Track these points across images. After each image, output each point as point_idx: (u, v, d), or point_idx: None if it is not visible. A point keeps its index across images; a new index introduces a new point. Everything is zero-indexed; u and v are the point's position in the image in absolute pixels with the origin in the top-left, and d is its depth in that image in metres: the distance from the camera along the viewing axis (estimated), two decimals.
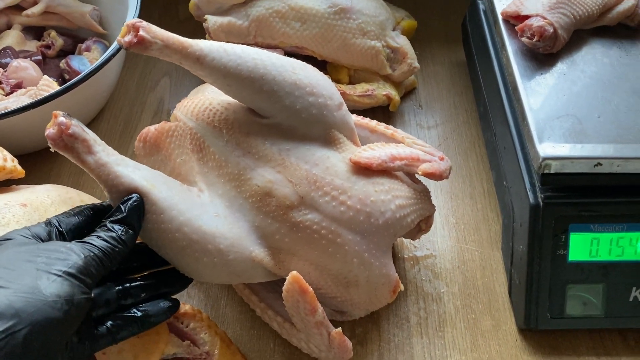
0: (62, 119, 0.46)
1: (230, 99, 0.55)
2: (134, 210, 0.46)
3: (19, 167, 0.58)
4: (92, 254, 0.41)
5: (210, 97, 0.56)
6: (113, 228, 0.44)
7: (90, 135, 0.47)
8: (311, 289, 0.48)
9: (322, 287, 0.51)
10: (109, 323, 0.44)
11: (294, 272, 0.48)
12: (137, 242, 0.49)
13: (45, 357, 0.37)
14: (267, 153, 0.51)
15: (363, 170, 0.52)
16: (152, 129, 0.56)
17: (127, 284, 0.46)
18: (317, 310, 0.48)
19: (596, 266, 0.53)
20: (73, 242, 0.42)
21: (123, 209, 0.45)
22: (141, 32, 0.46)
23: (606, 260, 0.53)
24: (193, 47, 0.48)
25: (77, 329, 0.41)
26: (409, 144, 0.57)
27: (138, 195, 0.46)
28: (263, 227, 0.50)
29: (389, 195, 0.51)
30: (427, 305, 0.59)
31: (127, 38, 0.47)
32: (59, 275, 0.38)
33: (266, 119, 0.53)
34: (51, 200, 0.55)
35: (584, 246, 0.53)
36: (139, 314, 0.45)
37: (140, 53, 0.48)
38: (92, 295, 0.41)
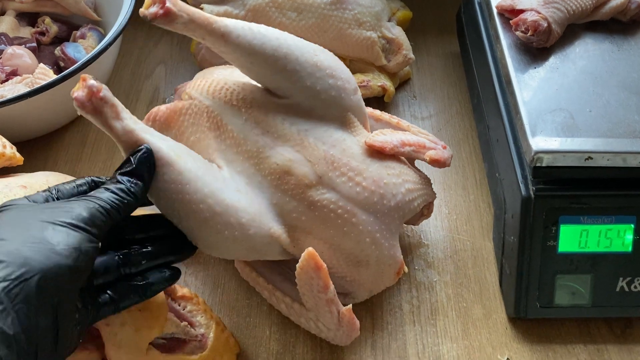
0: (92, 82, 0.44)
1: (245, 79, 0.55)
2: (144, 161, 0.45)
3: (17, 154, 0.59)
4: (97, 205, 0.41)
5: (224, 77, 0.57)
6: (122, 180, 0.44)
7: (118, 101, 0.46)
8: (325, 265, 0.49)
9: (334, 266, 0.52)
10: (110, 291, 0.44)
11: (310, 249, 0.48)
12: (143, 214, 0.49)
13: (60, 305, 0.38)
14: (286, 132, 0.52)
15: (376, 153, 0.54)
16: (163, 107, 0.56)
17: (127, 251, 0.46)
18: (329, 287, 0.49)
19: (585, 257, 0.54)
20: (75, 197, 0.43)
21: (132, 160, 0.45)
22: (168, 4, 0.46)
23: (595, 251, 0.54)
24: (218, 23, 0.49)
25: (82, 294, 0.41)
26: (414, 132, 0.59)
27: (148, 147, 0.46)
28: (281, 205, 0.51)
29: (400, 179, 0.54)
30: (420, 294, 0.60)
31: (153, 9, 0.46)
32: (64, 226, 0.39)
33: (284, 99, 0.54)
34: (49, 184, 0.55)
35: (574, 238, 0.54)
36: (141, 282, 0.46)
37: (162, 26, 0.47)
38: (99, 244, 0.41)
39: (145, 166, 0.45)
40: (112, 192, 0.43)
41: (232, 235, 0.49)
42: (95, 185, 0.47)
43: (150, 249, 0.47)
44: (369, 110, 0.61)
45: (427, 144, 0.57)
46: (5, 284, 0.35)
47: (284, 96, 0.54)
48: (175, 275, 0.48)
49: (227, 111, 0.54)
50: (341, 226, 0.51)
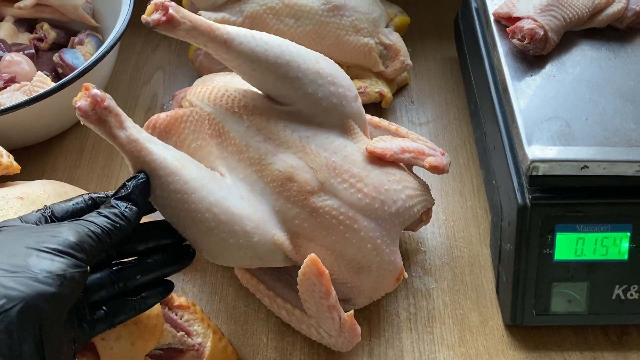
0: (96, 91, 0.44)
1: (245, 86, 0.56)
2: (138, 187, 0.45)
3: (14, 163, 0.59)
4: (86, 229, 0.41)
5: (225, 84, 0.57)
6: (117, 204, 0.44)
7: (121, 110, 0.46)
8: (327, 272, 0.49)
9: (335, 272, 0.52)
10: (105, 306, 0.44)
11: (313, 255, 0.49)
12: (151, 221, 0.49)
13: (45, 333, 0.37)
14: (287, 139, 0.53)
15: (377, 160, 0.55)
16: (162, 115, 0.56)
17: (121, 267, 0.46)
18: (331, 293, 0.50)
19: (581, 265, 0.55)
20: (67, 221, 0.43)
21: (128, 186, 0.45)
22: (171, 11, 0.47)
23: (591, 259, 0.55)
24: (221, 30, 0.49)
25: (76, 312, 0.42)
26: (413, 139, 0.59)
27: (144, 174, 0.46)
28: (283, 212, 0.51)
29: (400, 185, 0.54)
30: (417, 301, 0.60)
31: (155, 16, 0.47)
32: (49, 252, 0.38)
33: (285, 106, 0.54)
34: (47, 194, 0.56)
35: (570, 246, 0.54)
36: (135, 296, 0.46)
37: (165, 33, 0.47)
38: (88, 268, 0.40)
39: (140, 191, 0.45)
40: (105, 216, 0.43)
41: (237, 243, 0.49)
42: (93, 202, 0.46)
43: (146, 261, 0.47)
44: (368, 117, 0.61)
45: (426, 151, 0.57)
46: None
47: (286, 103, 0.54)
48: (169, 288, 0.48)
49: (229, 118, 0.54)
50: (343, 232, 0.51)
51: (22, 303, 0.36)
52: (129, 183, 0.45)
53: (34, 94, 0.63)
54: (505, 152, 0.58)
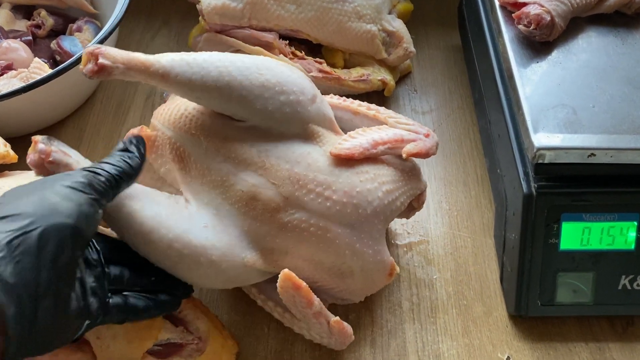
0: (41, 146, 0.45)
1: None
2: (134, 139, 0.48)
3: (11, 152, 0.58)
4: (92, 174, 0.43)
5: (185, 102, 0.55)
6: (117, 154, 0.46)
7: (72, 158, 0.47)
8: (305, 284, 0.48)
9: (318, 280, 0.51)
10: (123, 294, 0.45)
11: (285, 270, 0.48)
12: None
13: (61, 264, 0.38)
14: (246, 157, 0.51)
15: (346, 161, 0.52)
16: (134, 132, 0.55)
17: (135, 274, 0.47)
18: (313, 302, 0.49)
19: (587, 255, 0.54)
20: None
21: (125, 143, 0.47)
22: (101, 60, 0.46)
23: (597, 249, 0.54)
24: (155, 65, 0.48)
25: (95, 282, 0.43)
26: (392, 124, 0.56)
27: (136, 136, 0.48)
28: (252, 231, 0.50)
29: (375, 183, 0.52)
30: (420, 291, 0.60)
31: (89, 67, 0.46)
32: (64, 188, 0.40)
33: (242, 122, 0.52)
34: None
35: (576, 235, 0.54)
36: (150, 301, 0.47)
37: (104, 79, 0.47)
38: (100, 211, 0.42)
39: (136, 145, 0.47)
40: (109, 163, 0.44)
41: (204, 273, 0.48)
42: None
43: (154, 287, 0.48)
44: (346, 103, 0.58)
45: (405, 137, 0.53)
46: (8, 235, 0.36)
47: (241, 119, 0.52)
48: (177, 304, 0.50)
49: (188, 141, 0.53)
50: (316, 243, 0.50)
51: (42, 228, 0.37)
52: (124, 141, 0.48)
53: (31, 81, 0.62)
54: (510, 140, 0.57)
